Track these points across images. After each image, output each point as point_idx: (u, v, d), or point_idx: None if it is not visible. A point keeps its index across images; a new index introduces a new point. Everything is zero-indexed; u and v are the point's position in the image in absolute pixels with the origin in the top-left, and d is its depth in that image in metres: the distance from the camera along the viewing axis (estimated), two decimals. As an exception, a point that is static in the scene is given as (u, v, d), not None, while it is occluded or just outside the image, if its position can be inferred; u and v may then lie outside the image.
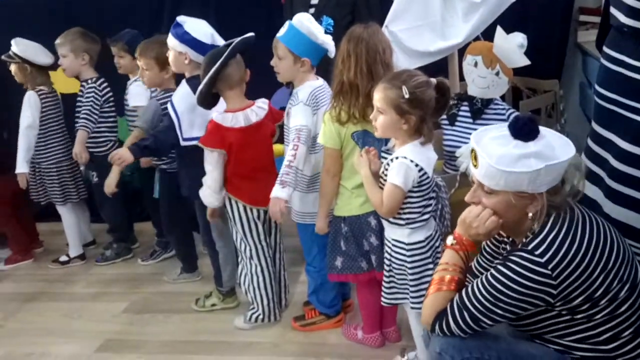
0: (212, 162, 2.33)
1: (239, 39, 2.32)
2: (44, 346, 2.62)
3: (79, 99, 3.19)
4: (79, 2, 3.69)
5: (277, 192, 2.18)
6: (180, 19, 2.51)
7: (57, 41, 3.11)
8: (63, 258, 3.46)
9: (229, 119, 2.33)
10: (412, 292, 1.97)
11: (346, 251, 2.19)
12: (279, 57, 2.26)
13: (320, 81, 2.32)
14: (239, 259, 2.56)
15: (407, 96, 1.82)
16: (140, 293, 3.04)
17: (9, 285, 3.27)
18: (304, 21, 2.24)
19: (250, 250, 2.49)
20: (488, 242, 1.67)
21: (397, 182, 1.87)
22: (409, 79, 1.85)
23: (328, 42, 2.27)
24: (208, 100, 2.33)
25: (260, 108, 2.41)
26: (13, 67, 3.23)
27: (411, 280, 1.96)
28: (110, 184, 2.67)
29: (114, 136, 3.28)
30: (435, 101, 1.88)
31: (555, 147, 1.40)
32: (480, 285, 1.44)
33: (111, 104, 3.26)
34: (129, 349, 2.54)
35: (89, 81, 3.17)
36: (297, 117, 2.24)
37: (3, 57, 3.22)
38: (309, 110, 2.24)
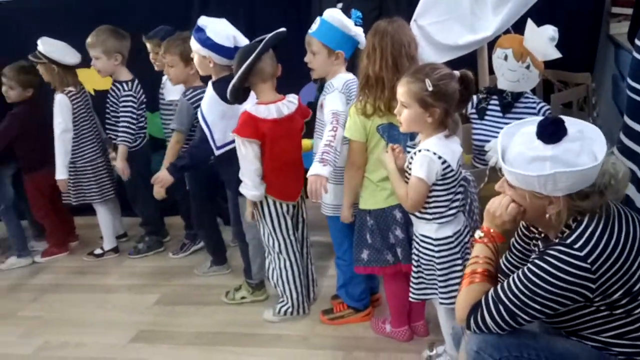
0: (248, 154, 2.35)
1: (272, 34, 2.34)
2: (80, 336, 2.69)
3: (112, 99, 3.23)
4: (108, 5, 3.73)
5: (318, 169, 2.10)
6: (202, 22, 2.53)
7: (88, 41, 3.14)
8: (97, 251, 3.55)
9: (262, 110, 2.35)
10: (440, 287, 1.97)
11: (372, 244, 2.21)
12: (313, 52, 2.29)
13: (352, 75, 2.33)
14: (266, 254, 2.59)
15: (430, 89, 1.83)
16: (172, 285, 3.10)
17: (46, 277, 3.37)
18: (335, 15, 2.27)
19: (279, 245, 2.52)
20: (517, 239, 1.66)
21: (421, 175, 1.88)
22: (431, 72, 1.85)
23: (360, 33, 2.30)
24: (239, 94, 2.35)
25: (290, 102, 2.43)
26: (40, 68, 3.25)
27: (440, 275, 1.96)
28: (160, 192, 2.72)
29: (144, 132, 3.35)
30: (459, 93, 1.88)
31: (580, 153, 1.35)
32: (517, 279, 1.43)
33: (144, 105, 3.31)
34: (161, 339, 2.60)
35: (125, 86, 3.19)
36: (333, 103, 2.25)
37: (30, 56, 3.24)
38: (344, 98, 2.26)
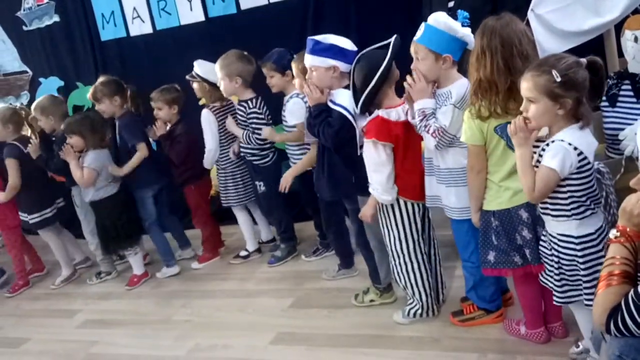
0: (382, 158, 2.41)
1: (394, 39, 2.39)
2: (226, 338, 2.91)
3: (240, 117, 3.47)
4: (232, 26, 4.04)
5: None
6: (316, 37, 2.63)
7: (216, 64, 3.40)
8: (243, 253, 3.83)
9: (392, 113, 2.41)
10: (586, 288, 1.88)
11: (498, 245, 2.16)
12: (419, 59, 2.26)
13: (465, 79, 2.28)
14: (393, 257, 2.61)
15: (558, 79, 1.75)
16: (304, 289, 3.25)
17: (192, 284, 3.68)
18: (439, 18, 2.23)
19: (408, 247, 2.54)
20: None
21: (553, 166, 1.80)
22: (557, 62, 1.78)
23: (468, 34, 2.24)
24: (372, 102, 2.42)
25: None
26: (195, 85, 3.62)
27: (584, 276, 1.87)
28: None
29: (274, 148, 3.54)
30: (590, 81, 1.79)
31: None
32: None
33: (270, 120, 3.49)
34: (299, 341, 2.74)
35: (250, 103, 3.40)
36: (443, 117, 2.24)
37: (187, 77, 3.62)
38: (457, 114, 2.21)
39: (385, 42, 2.44)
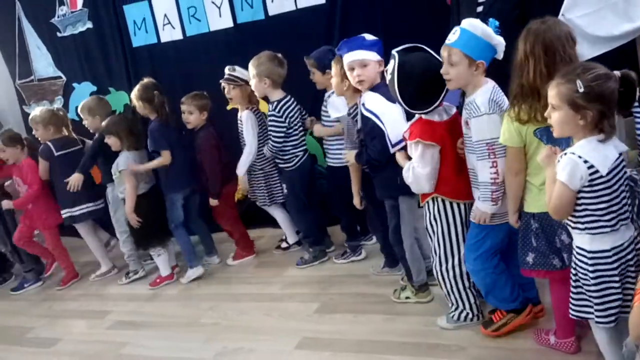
0: (426, 159, 2.40)
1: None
2: (251, 342, 2.94)
3: (269, 116, 3.52)
4: (260, 32, 4.08)
5: (487, 207, 2.27)
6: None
7: (250, 64, 3.47)
8: (284, 245, 3.96)
9: (435, 115, 2.40)
10: (595, 304, 1.85)
11: (537, 247, 2.14)
12: (452, 63, 2.22)
13: (490, 82, 2.26)
14: (440, 261, 2.57)
15: (581, 90, 1.73)
16: (329, 294, 3.25)
17: (218, 287, 3.72)
18: (477, 24, 2.21)
19: (452, 248, 2.53)
20: None
21: (562, 179, 1.78)
22: (584, 72, 1.75)
23: (500, 42, 2.22)
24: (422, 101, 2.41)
25: (448, 106, 2.47)
26: (235, 89, 3.65)
27: (594, 292, 1.84)
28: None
29: (300, 152, 3.57)
30: (620, 94, 1.75)
31: None
32: None
33: (298, 122, 3.53)
34: (324, 347, 2.75)
35: (270, 106, 3.46)
36: (482, 131, 2.19)
37: (223, 80, 3.65)
38: (494, 118, 2.17)
39: (411, 44, 2.43)
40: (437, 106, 2.39)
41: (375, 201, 3.02)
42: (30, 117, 4.14)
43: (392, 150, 2.64)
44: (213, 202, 3.82)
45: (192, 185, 3.85)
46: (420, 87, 2.35)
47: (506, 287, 2.43)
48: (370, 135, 2.71)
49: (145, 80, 3.83)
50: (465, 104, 2.29)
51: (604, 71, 1.76)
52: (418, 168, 2.42)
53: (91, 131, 4.03)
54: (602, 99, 1.74)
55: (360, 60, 2.70)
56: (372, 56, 2.70)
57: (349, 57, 2.72)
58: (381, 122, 2.66)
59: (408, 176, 2.46)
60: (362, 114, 2.76)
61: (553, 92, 1.80)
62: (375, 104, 2.69)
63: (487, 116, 2.18)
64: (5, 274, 4.63)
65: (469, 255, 2.44)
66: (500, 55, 2.19)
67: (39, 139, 4.11)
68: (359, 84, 2.75)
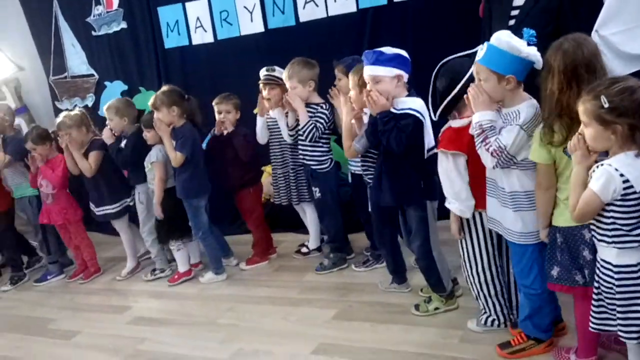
0: (453, 169, 2.41)
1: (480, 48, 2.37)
2: (268, 345, 2.95)
3: (318, 115, 3.49)
4: (290, 38, 4.15)
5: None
6: (375, 50, 2.67)
7: (285, 74, 3.49)
8: (304, 249, 3.98)
9: (465, 122, 2.39)
10: (620, 319, 1.83)
11: (561, 261, 2.12)
12: (481, 80, 2.21)
13: (534, 100, 2.21)
14: (466, 267, 2.58)
15: (606, 105, 1.72)
16: (348, 302, 3.25)
17: (238, 289, 3.74)
18: (502, 38, 2.17)
19: (482, 259, 2.52)
20: None
21: (595, 189, 1.77)
22: (609, 87, 1.75)
23: (534, 53, 2.17)
24: (453, 108, 2.43)
25: None
26: (274, 89, 3.65)
27: (620, 306, 1.82)
28: None
29: (332, 155, 3.60)
30: None
31: None
32: None
33: (332, 128, 3.56)
34: (340, 354, 2.74)
35: (319, 107, 3.49)
36: (506, 137, 2.17)
37: (262, 81, 3.67)
38: (522, 136, 2.14)
39: (470, 51, 2.42)
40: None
41: (382, 213, 3.01)
42: (57, 123, 4.07)
43: (426, 155, 2.65)
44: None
45: (210, 190, 3.86)
46: (446, 95, 2.38)
47: (548, 317, 2.39)
48: (404, 128, 2.63)
49: (164, 87, 3.78)
50: (503, 114, 2.24)
51: (631, 84, 1.74)
52: (450, 186, 2.42)
53: (114, 132, 4.02)
54: (629, 112, 1.73)
55: (373, 76, 2.67)
56: (387, 72, 2.65)
57: (365, 71, 2.72)
58: (424, 119, 2.64)
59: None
60: (399, 112, 2.68)
61: (581, 109, 1.80)
62: (419, 105, 2.68)
63: (519, 129, 2.15)
64: (33, 259, 4.77)
65: (523, 280, 2.36)
66: (539, 66, 2.14)
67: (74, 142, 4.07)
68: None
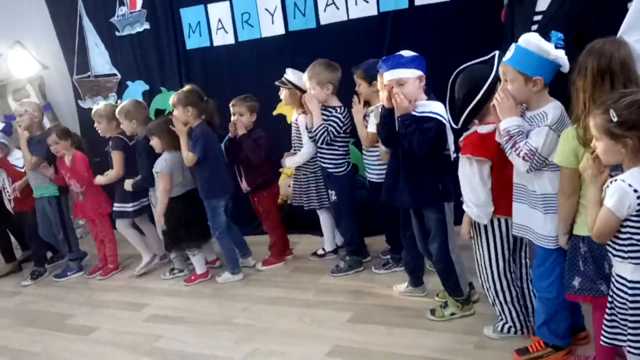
0: (477, 176, 2.40)
1: (497, 54, 2.38)
2: (283, 346, 2.96)
3: (332, 119, 3.50)
4: (311, 41, 4.16)
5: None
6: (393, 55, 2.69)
7: (306, 75, 3.50)
8: (320, 252, 4.01)
9: (491, 129, 2.38)
10: (630, 335, 1.80)
11: (584, 271, 2.09)
12: (508, 81, 2.20)
13: (559, 102, 2.20)
14: (482, 273, 2.57)
15: (615, 119, 1.71)
16: (364, 304, 3.25)
17: (254, 289, 3.75)
18: (531, 39, 2.17)
19: (498, 265, 2.51)
20: None
21: (609, 205, 1.76)
22: (618, 100, 1.73)
23: (561, 56, 2.16)
24: (475, 116, 2.42)
25: None
26: (285, 92, 3.74)
27: (631, 322, 1.80)
28: None
29: (349, 158, 3.61)
30: None
31: None
32: None
33: (349, 133, 3.56)
34: (355, 356, 2.74)
35: (334, 111, 3.49)
36: (536, 139, 2.14)
37: (277, 82, 3.74)
38: (552, 136, 2.13)
39: (486, 57, 2.42)
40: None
41: (406, 212, 3.00)
42: (94, 110, 4.19)
43: (452, 158, 2.65)
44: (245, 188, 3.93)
45: (231, 190, 3.89)
46: (467, 103, 2.37)
47: (565, 323, 2.36)
48: (427, 132, 2.63)
49: (186, 87, 3.81)
50: (528, 117, 2.23)
51: (639, 97, 1.72)
52: (472, 192, 2.42)
53: (127, 135, 4.05)
54: (639, 125, 1.71)
55: (397, 79, 2.67)
56: (410, 73, 2.66)
57: (387, 76, 2.71)
58: (446, 124, 2.64)
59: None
60: (420, 115, 2.69)
61: (592, 124, 1.79)
62: (441, 109, 2.67)
63: (548, 129, 2.13)
64: (57, 255, 4.86)
65: (540, 283, 2.35)
66: (565, 69, 2.13)
67: (100, 132, 4.20)
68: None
